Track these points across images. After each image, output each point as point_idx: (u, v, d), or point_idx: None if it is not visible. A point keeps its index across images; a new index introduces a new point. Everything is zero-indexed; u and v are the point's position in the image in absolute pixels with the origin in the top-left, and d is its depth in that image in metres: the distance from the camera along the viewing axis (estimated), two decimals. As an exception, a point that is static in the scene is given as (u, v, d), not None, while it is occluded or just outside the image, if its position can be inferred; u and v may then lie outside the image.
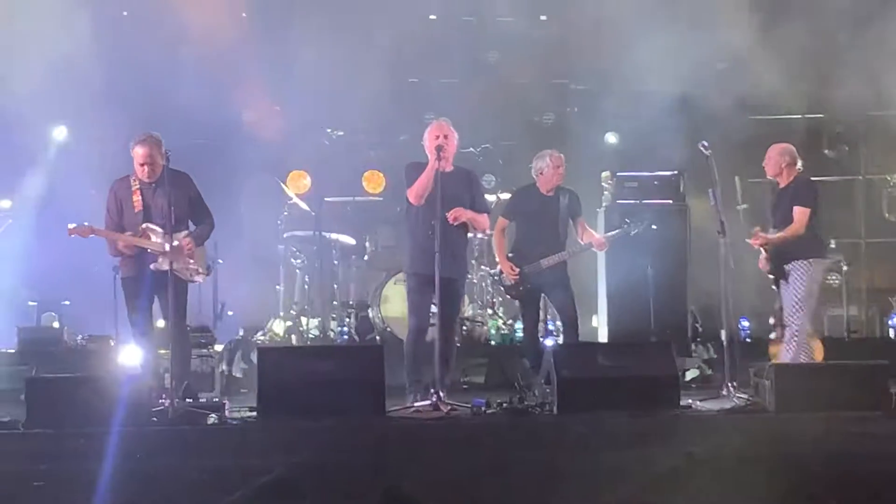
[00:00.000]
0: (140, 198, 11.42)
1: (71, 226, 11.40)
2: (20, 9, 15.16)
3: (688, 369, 13.07)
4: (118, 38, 16.59)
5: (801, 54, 15.75)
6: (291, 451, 9.36)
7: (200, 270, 11.61)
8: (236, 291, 15.51)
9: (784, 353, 12.06)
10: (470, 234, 12.62)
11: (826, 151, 17.96)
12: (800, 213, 12.04)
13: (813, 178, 12.49)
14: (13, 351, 14.27)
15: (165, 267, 11.05)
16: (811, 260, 12.00)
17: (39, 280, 16.07)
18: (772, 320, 12.72)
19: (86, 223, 11.41)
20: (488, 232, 13.18)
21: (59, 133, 17.31)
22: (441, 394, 10.84)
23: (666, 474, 9.31)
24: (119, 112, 16.27)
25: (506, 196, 14.35)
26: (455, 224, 11.41)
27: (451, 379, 11.78)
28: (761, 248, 12.23)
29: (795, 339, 11.98)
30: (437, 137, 11.51)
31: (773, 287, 12.25)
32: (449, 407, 10.72)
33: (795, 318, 11.96)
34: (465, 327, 14.65)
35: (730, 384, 11.37)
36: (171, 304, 10.87)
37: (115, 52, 16.39)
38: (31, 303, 15.51)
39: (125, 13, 17.01)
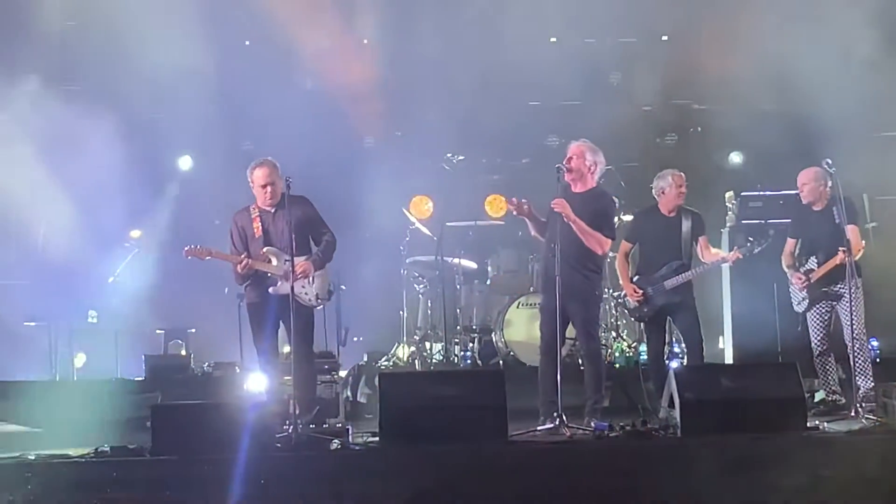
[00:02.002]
0: (260, 224, 11.57)
1: (187, 247, 11.54)
2: (146, 40, 15.41)
3: (816, 390, 12.84)
4: (240, 67, 16.79)
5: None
6: (413, 476, 9.37)
7: (319, 296, 11.69)
8: (361, 317, 15.59)
9: (861, 372, 12.09)
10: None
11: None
12: (854, 232, 12.10)
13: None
14: (141, 379, 14.43)
15: (285, 290, 11.13)
16: (859, 278, 12.11)
17: (166, 308, 16.29)
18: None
19: (201, 245, 11.54)
20: (611, 255, 13.01)
21: (185, 163, 17.58)
22: (564, 417, 10.74)
23: (793, 496, 9.20)
24: (242, 140, 16.56)
25: (628, 218, 14.26)
26: (564, 219, 11.28)
27: (597, 400, 11.56)
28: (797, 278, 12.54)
29: (864, 353, 12.20)
30: (565, 158, 11.56)
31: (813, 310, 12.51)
32: (572, 430, 10.61)
33: (863, 335, 12.13)
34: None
35: (858, 405, 11.16)
36: (294, 330, 10.89)
37: (237, 80, 16.60)
38: (158, 331, 15.70)
39: (247, 42, 17.18)
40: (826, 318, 12.44)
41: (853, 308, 11.88)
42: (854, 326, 11.96)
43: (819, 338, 12.49)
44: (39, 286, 15.38)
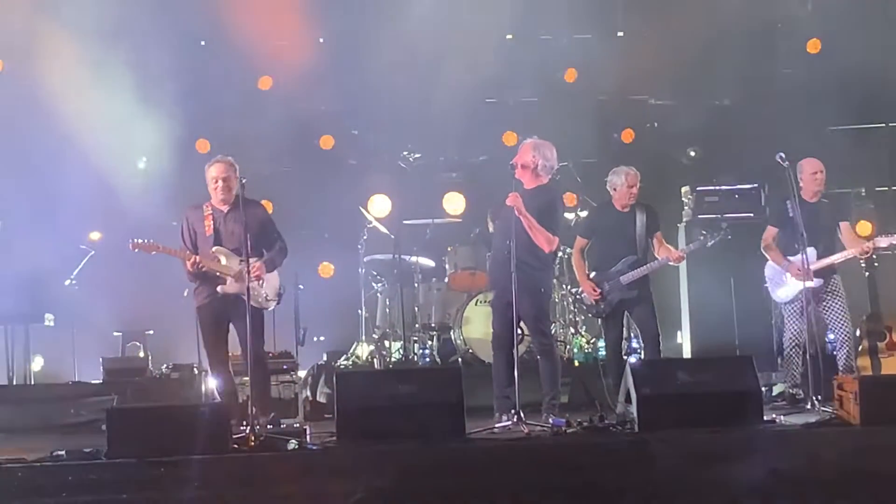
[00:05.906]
0: (212, 223, 11.44)
1: (134, 240, 11.39)
2: (99, 42, 15.36)
3: (774, 384, 12.88)
4: (196, 67, 16.76)
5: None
6: (371, 474, 9.33)
7: (269, 297, 11.61)
8: (320, 317, 15.57)
9: (841, 360, 12.35)
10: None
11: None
12: (848, 227, 12.19)
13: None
14: (98, 382, 14.33)
15: (233, 290, 11.12)
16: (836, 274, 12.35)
17: (124, 311, 16.17)
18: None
19: (150, 240, 11.43)
20: (568, 251, 13.00)
21: (142, 164, 17.43)
22: (521, 414, 10.72)
23: (750, 490, 9.22)
24: (199, 142, 16.50)
25: (584, 214, 14.29)
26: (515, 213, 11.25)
27: (553, 396, 11.54)
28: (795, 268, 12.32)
29: (848, 344, 12.33)
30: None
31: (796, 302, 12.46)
32: (529, 427, 10.60)
33: (848, 326, 12.32)
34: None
35: (815, 398, 11.18)
36: (249, 331, 10.80)
37: (192, 81, 16.55)
38: (115, 333, 15.56)
39: (202, 43, 17.12)
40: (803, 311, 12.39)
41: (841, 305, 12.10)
42: (843, 323, 12.16)
43: (795, 331, 12.47)
44: (-6, 288, 15.25)
